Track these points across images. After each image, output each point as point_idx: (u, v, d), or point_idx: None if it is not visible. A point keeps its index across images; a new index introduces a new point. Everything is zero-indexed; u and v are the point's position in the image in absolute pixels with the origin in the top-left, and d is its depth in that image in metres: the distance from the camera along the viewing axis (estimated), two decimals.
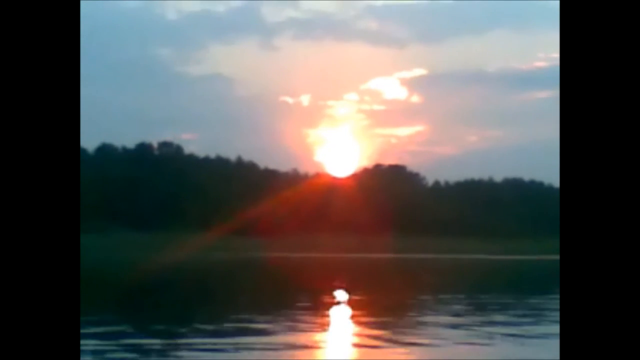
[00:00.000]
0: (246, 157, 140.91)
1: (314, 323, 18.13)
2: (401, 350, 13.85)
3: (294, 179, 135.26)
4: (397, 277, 44.26)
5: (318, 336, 15.73)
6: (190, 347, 13.85)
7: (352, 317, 19.80)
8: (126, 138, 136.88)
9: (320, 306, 22.65)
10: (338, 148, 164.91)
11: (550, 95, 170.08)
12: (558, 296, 26.69)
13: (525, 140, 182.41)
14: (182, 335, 15.92)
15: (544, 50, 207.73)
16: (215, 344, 14.13)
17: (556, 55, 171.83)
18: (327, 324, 18.27)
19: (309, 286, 33.52)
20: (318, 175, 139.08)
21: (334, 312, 21.00)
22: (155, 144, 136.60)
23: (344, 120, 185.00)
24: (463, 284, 37.59)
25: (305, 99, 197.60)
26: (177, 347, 13.98)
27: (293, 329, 16.55)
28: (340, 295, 26.72)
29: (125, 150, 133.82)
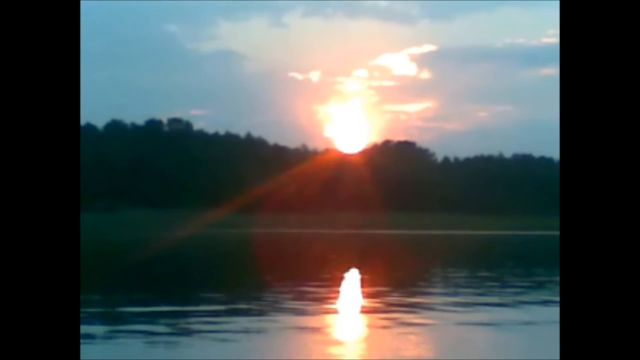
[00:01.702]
0: (256, 133, 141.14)
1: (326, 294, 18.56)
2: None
3: (303, 155, 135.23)
4: (406, 253, 44.39)
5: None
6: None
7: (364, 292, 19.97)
8: (136, 114, 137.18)
9: (330, 282, 22.79)
10: (347, 124, 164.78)
11: (559, 71, 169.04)
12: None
13: (535, 116, 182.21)
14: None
15: (553, 26, 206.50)
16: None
17: None
18: (334, 299, 18.44)
19: (320, 261, 33.69)
20: (327, 151, 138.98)
21: (342, 287, 21.16)
22: (164, 121, 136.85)
23: (354, 97, 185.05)
24: (474, 259, 37.68)
25: (314, 76, 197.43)
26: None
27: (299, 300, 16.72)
28: (354, 273, 26.84)
29: (134, 126, 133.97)
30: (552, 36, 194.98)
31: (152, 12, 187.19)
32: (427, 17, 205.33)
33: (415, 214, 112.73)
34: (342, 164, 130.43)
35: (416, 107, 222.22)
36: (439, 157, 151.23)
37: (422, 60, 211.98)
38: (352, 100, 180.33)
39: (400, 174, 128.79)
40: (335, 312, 16.75)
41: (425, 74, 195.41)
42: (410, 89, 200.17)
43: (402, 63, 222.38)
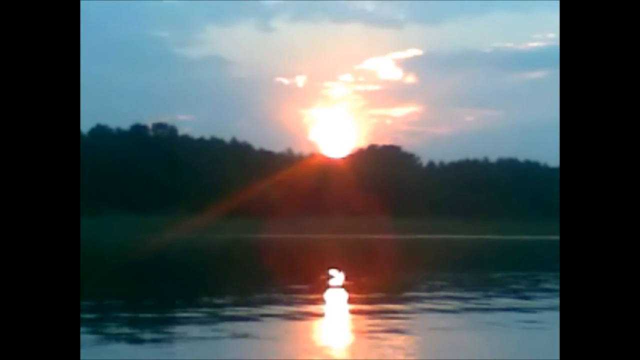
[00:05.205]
0: (241, 138, 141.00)
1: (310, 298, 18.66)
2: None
3: (288, 159, 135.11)
4: (390, 257, 44.48)
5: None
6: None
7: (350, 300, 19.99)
8: (121, 119, 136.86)
9: (314, 286, 22.83)
10: (333, 129, 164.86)
11: (546, 75, 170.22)
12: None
13: (521, 120, 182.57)
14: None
15: (539, 30, 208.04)
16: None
17: (551, 35, 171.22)
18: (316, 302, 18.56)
19: (305, 265, 33.72)
20: (313, 156, 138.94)
21: (327, 293, 21.17)
22: (150, 125, 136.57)
23: (339, 101, 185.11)
24: (459, 263, 37.80)
25: (300, 80, 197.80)
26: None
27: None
28: (337, 279, 26.83)
29: (119, 131, 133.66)
30: (539, 40, 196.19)
31: (138, 16, 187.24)
32: (414, 21, 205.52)
33: (400, 219, 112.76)
34: (328, 168, 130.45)
35: (402, 111, 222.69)
36: (424, 162, 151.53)
37: (408, 65, 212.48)
38: (338, 105, 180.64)
39: (386, 179, 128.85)
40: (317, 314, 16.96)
41: (411, 78, 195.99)
42: (396, 94, 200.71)
43: (388, 67, 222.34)
